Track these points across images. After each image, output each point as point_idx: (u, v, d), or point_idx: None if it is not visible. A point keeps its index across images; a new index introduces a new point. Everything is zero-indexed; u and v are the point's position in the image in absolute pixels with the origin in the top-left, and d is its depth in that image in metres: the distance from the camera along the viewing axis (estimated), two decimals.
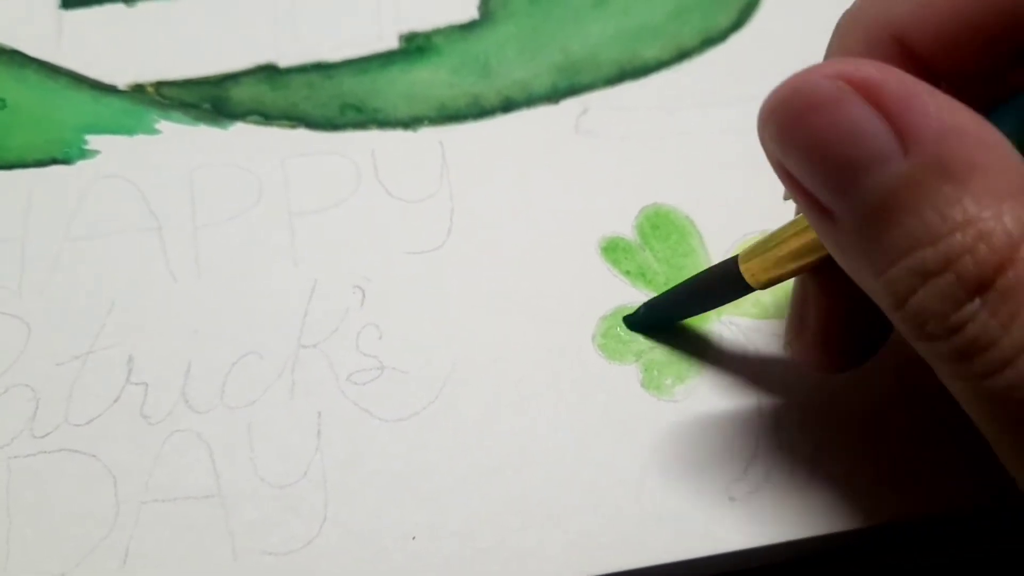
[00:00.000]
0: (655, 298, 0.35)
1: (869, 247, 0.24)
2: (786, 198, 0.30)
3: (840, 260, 0.26)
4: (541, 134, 0.39)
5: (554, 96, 0.39)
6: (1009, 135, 0.23)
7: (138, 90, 0.39)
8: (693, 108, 0.39)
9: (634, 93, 0.40)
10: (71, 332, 0.35)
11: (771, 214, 0.36)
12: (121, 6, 0.41)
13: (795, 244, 0.29)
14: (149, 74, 0.40)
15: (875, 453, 0.33)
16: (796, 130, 0.24)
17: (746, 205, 0.37)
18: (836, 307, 0.30)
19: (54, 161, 0.38)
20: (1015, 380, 0.23)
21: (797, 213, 0.31)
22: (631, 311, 0.35)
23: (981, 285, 0.23)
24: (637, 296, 0.35)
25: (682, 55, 0.40)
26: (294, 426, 0.33)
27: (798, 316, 0.32)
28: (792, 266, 0.30)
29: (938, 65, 0.27)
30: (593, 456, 0.33)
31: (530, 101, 0.39)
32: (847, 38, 0.29)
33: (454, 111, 0.39)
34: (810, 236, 0.28)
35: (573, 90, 0.40)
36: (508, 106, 0.39)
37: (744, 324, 0.35)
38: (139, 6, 0.41)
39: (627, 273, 0.36)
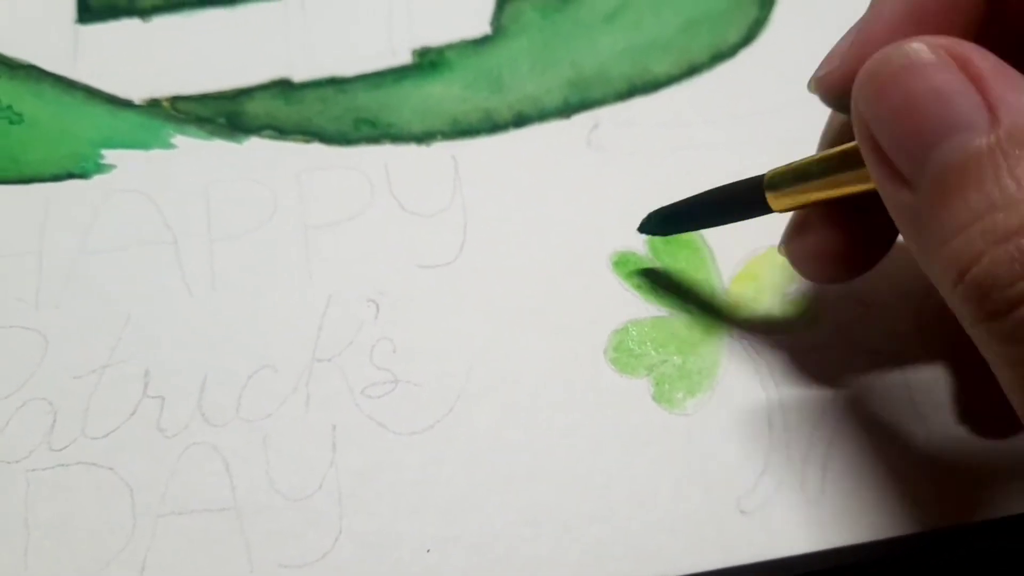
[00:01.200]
0: (671, 204, 0.35)
1: (942, 211, 0.24)
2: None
3: (908, 233, 0.26)
4: (553, 149, 0.39)
5: (566, 111, 0.40)
6: None
7: (154, 105, 0.40)
8: (703, 123, 0.39)
9: (645, 108, 0.40)
10: (88, 346, 0.35)
11: (779, 229, 0.36)
12: (137, 21, 0.41)
13: (826, 179, 0.29)
14: (165, 89, 0.40)
15: (886, 467, 0.33)
16: (892, 89, 0.25)
17: (756, 220, 0.37)
18: (837, 223, 0.31)
19: (70, 175, 0.38)
20: None
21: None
22: (642, 325, 0.35)
23: None
24: (648, 310, 0.35)
25: (692, 70, 0.40)
26: (309, 439, 0.33)
27: (798, 222, 0.32)
28: (817, 197, 0.30)
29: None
30: (605, 468, 0.33)
31: (542, 116, 0.39)
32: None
33: (467, 126, 0.39)
34: (843, 174, 0.28)
35: (584, 105, 0.40)
36: (520, 121, 0.39)
37: (754, 338, 0.35)
38: (155, 21, 0.41)
39: (638, 288, 0.36)
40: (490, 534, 0.32)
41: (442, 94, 0.40)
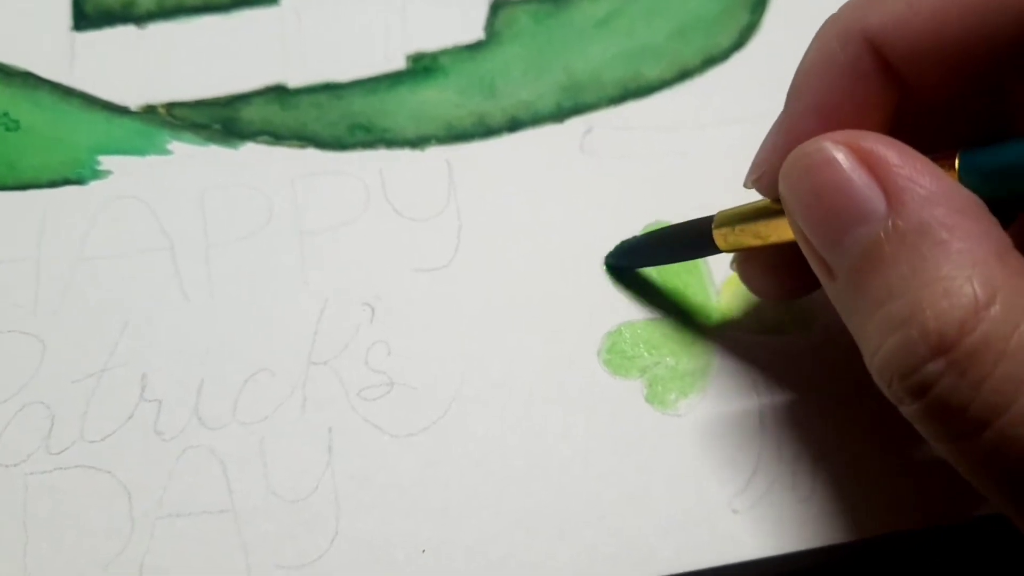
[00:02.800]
0: (629, 239, 0.36)
1: (855, 299, 0.25)
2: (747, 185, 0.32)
3: (843, 318, 0.27)
4: (546, 153, 0.39)
5: (559, 115, 0.40)
6: (980, 190, 0.25)
7: (150, 111, 0.40)
8: (695, 127, 0.39)
9: (637, 112, 0.40)
10: (85, 350, 0.35)
11: None
12: (133, 28, 0.41)
13: (769, 224, 0.30)
14: (161, 95, 0.40)
15: (876, 466, 0.33)
16: (801, 184, 0.27)
17: None
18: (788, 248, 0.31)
19: (67, 181, 0.38)
20: (997, 441, 0.23)
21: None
22: (635, 327, 0.35)
23: (942, 343, 0.23)
24: (641, 313, 0.36)
25: (684, 74, 0.41)
26: (306, 442, 0.33)
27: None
28: (760, 242, 0.31)
29: (908, 74, 0.28)
30: (599, 469, 0.33)
31: (535, 120, 0.40)
32: (824, 41, 0.30)
33: (461, 130, 0.39)
34: (783, 219, 0.29)
35: (577, 109, 0.40)
36: (514, 125, 0.39)
37: (746, 340, 0.35)
38: (150, 28, 0.41)
39: (631, 290, 0.36)
40: (485, 535, 0.32)
41: (436, 99, 0.40)
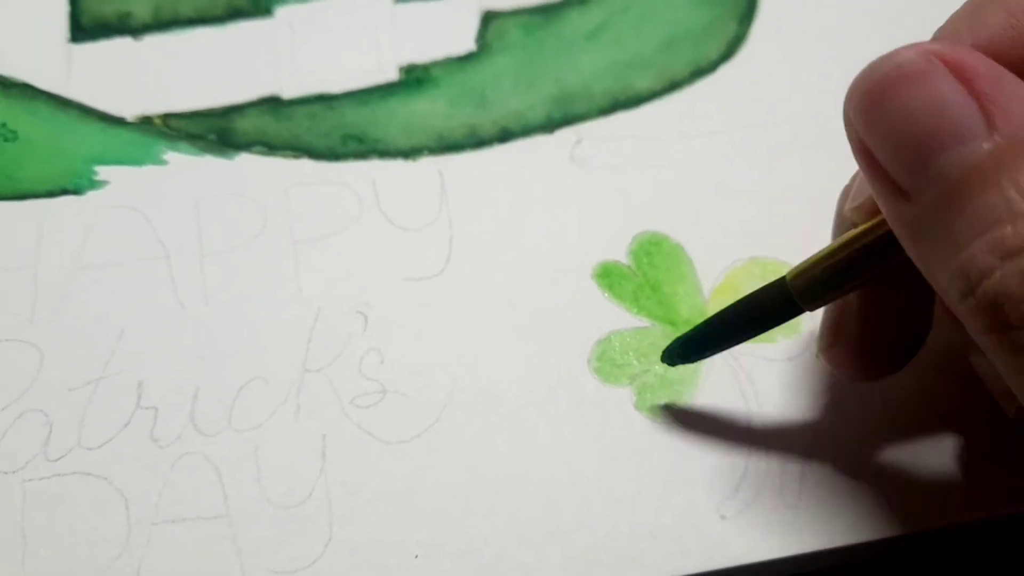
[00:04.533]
0: (693, 329, 0.33)
1: (946, 225, 0.23)
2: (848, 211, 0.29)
3: (910, 246, 0.25)
4: (537, 163, 0.39)
5: (549, 126, 0.40)
6: None
7: (146, 122, 0.40)
8: (684, 137, 0.40)
9: (627, 123, 0.40)
10: (82, 358, 0.35)
11: (761, 242, 0.37)
12: (129, 40, 0.42)
13: (850, 257, 0.28)
14: (156, 106, 0.40)
15: (862, 472, 0.33)
16: (885, 101, 0.24)
17: (736, 232, 0.37)
18: (876, 318, 0.30)
19: (64, 191, 0.38)
20: None
21: (838, 235, 0.31)
22: (624, 335, 0.36)
23: None
24: (630, 321, 0.36)
25: (673, 86, 0.41)
26: (299, 448, 0.34)
27: (834, 325, 0.31)
28: (848, 284, 0.29)
29: None
30: (589, 476, 0.33)
31: (526, 131, 0.40)
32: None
33: (452, 141, 0.39)
34: (870, 246, 0.27)
35: (567, 120, 0.40)
36: (505, 136, 0.40)
37: (735, 348, 0.35)
38: (146, 39, 0.42)
39: (620, 298, 0.36)
40: (477, 540, 0.32)
41: (428, 110, 0.40)
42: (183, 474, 0.33)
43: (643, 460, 0.34)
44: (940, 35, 0.27)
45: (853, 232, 0.28)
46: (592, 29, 0.42)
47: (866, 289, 0.29)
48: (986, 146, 0.23)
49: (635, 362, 0.35)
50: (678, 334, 0.35)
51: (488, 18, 0.42)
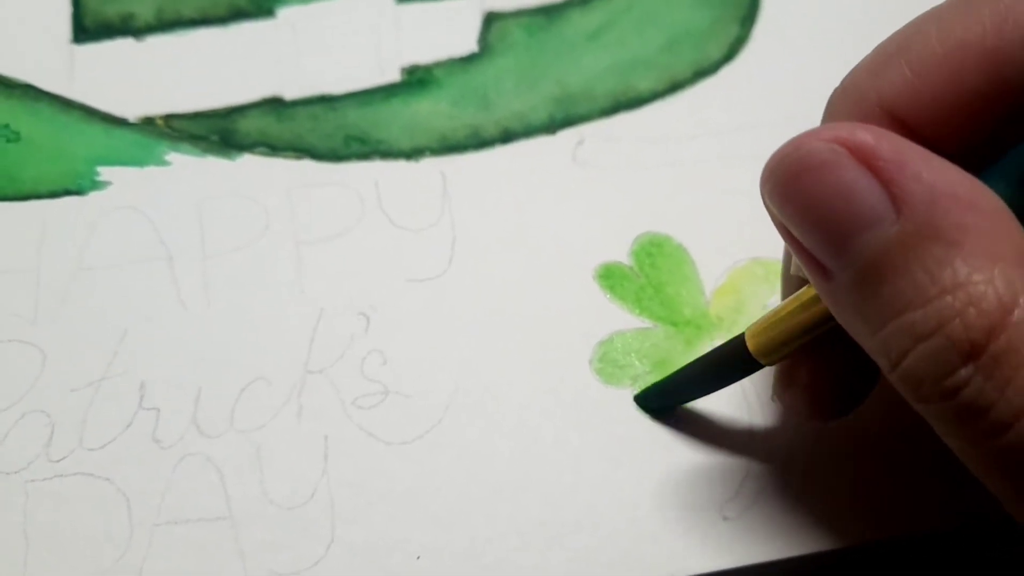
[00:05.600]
0: (660, 381, 0.34)
1: (863, 306, 0.24)
2: (794, 271, 0.30)
3: (838, 317, 0.26)
4: (539, 164, 0.39)
5: (551, 127, 0.40)
6: (1003, 194, 0.24)
7: (148, 123, 0.40)
8: (686, 138, 0.40)
9: (629, 124, 0.40)
10: (85, 359, 0.35)
11: (762, 242, 0.36)
12: (131, 40, 0.42)
13: (802, 320, 0.29)
14: (159, 107, 0.40)
15: (864, 472, 0.33)
16: (792, 191, 0.25)
17: (738, 233, 0.37)
18: (825, 364, 0.30)
19: (67, 192, 0.38)
20: (1016, 443, 0.23)
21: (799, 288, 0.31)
22: (627, 336, 0.36)
23: (973, 349, 0.23)
24: (632, 322, 0.36)
25: (675, 87, 0.41)
26: (302, 449, 0.34)
27: (787, 370, 0.32)
28: (800, 341, 0.29)
29: (930, 134, 0.27)
30: (591, 477, 0.33)
31: (528, 132, 0.40)
32: (838, 113, 0.29)
33: (455, 142, 0.40)
34: (817, 311, 0.28)
35: (570, 121, 0.40)
36: (507, 137, 0.40)
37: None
38: (148, 40, 0.42)
39: (622, 299, 0.36)
40: (479, 542, 0.32)
41: (430, 111, 0.40)
42: (185, 475, 0.33)
43: (645, 461, 0.34)
44: (845, 88, 0.29)
45: (805, 295, 0.29)
46: (594, 30, 0.42)
47: (813, 342, 0.30)
48: (894, 230, 0.23)
49: (637, 363, 0.35)
50: (680, 335, 0.35)
51: (490, 19, 0.42)
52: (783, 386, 0.32)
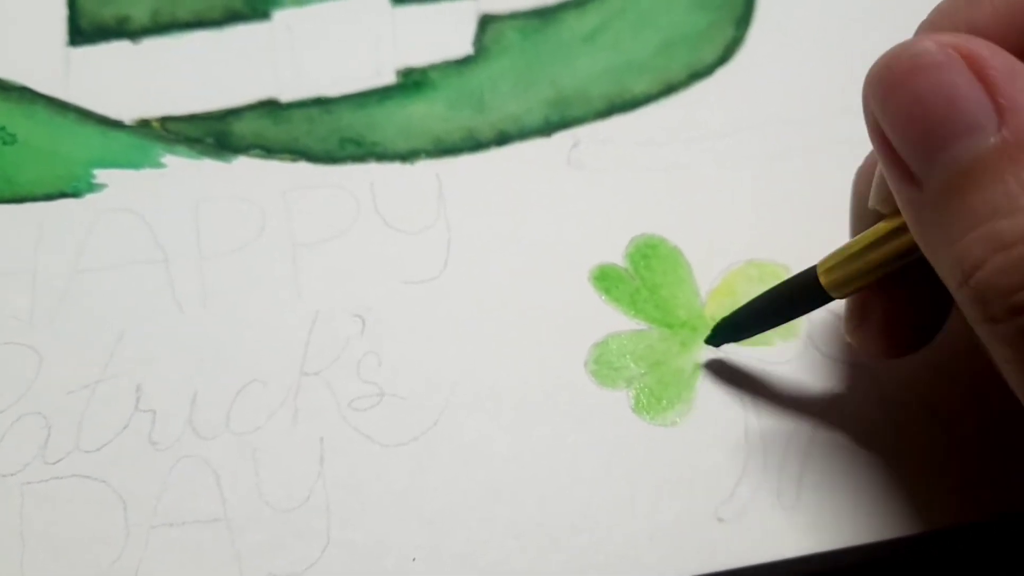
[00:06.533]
0: (731, 315, 0.35)
1: (948, 213, 0.24)
2: (872, 205, 0.30)
3: (916, 230, 0.26)
4: (534, 166, 0.39)
5: (546, 129, 0.40)
6: None
7: (144, 125, 0.40)
8: (681, 141, 0.40)
9: (624, 126, 0.40)
10: (81, 361, 0.35)
11: (757, 244, 0.37)
12: (127, 43, 0.42)
13: (877, 254, 0.29)
14: (155, 109, 0.40)
15: (859, 474, 0.33)
16: (900, 89, 0.25)
17: (733, 235, 0.37)
18: (898, 299, 0.31)
19: (63, 195, 0.38)
20: None
21: (856, 216, 0.32)
22: (622, 338, 0.36)
23: None
24: (627, 324, 0.36)
25: (670, 89, 0.41)
26: (297, 452, 0.34)
27: (858, 307, 0.32)
28: (873, 276, 0.30)
29: None
30: (586, 478, 0.33)
31: (523, 134, 0.40)
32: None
33: (450, 144, 0.40)
34: (894, 246, 0.29)
35: (564, 123, 0.40)
36: (502, 139, 0.40)
37: (731, 350, 0.35)
38: (144, 43, 0.42)
39: (617, 301, 0.36)
40: (475, 544, 0.32)
41: (426, 113, 0.40)
42: (181, 477, 0.33)
43: (640, 463, 0.34)
44: (933, 20, 0.28)
45: (882, 228, 0.29)
46: (589, 32, 0.42)
47: (888, 278, 0.30)
48: (993, 140, 0.23)
49: (632, 365, 0.35)
50: (675, 336, 0.35)
51: (485, 21, 0.42)
52: (855, 323, 0.32)
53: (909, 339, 0.32)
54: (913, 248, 0.27)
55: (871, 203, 0.30)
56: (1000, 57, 0.24)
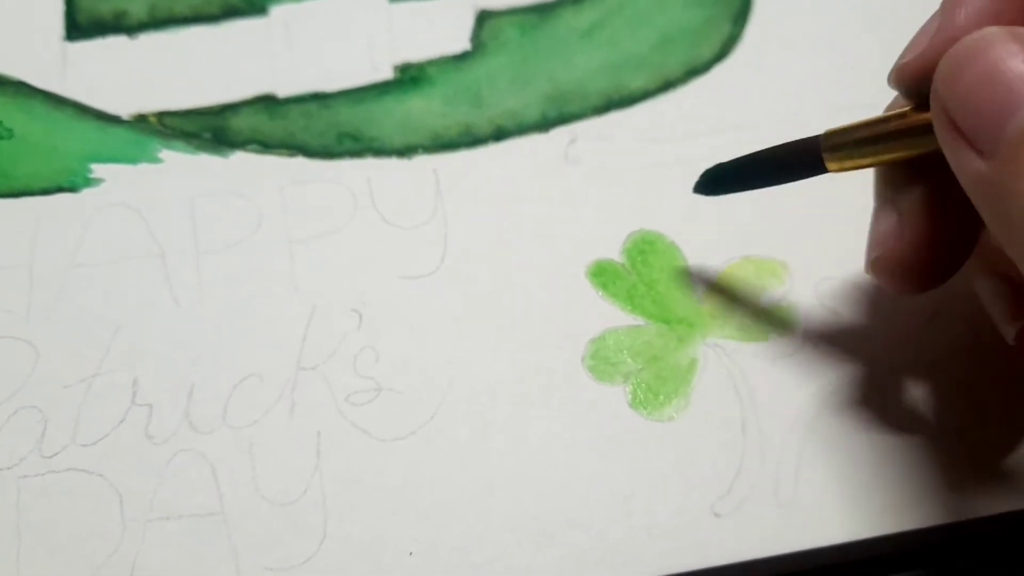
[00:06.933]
0: (725, 163, 0.35)
1: (1019, 180, 0.25)
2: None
3: (982, 201, 0.27)
4: (531, 162, 0.39)
5: (544, 125, 0.40)
6: None
7: (141, 120, 0.40)
8: (678, 137, 0.40)
9: (621, 122, 0.40)
10: (78, 355, 0.35)
11: (754, 240, 0.37)
12: (124, 38, 0.42)
13: (886, 132, 0.30)
14: (152, 104, 0.40)
15: (856, 470, 0.33)
16: (969, 67, 0.26)
17: (730, 231, 0.38)
18: (920, 228, 0.31)
19: (60, 189, 0.38)
20: None
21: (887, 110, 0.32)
22: (619, 333, 0.36)
23: None
24: (624, 319, 0.36)
25: (667, 85, 0.41)
26: (294, 446, 0.34)
27: (880, 236, 0.32)
28: (876, 158, 0.31)
29: None
30: (583, 473, 0.33)
31: (521, 130, 0.40)
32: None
33: (447, 140, 0.40)
34: (904, 124, 0.29)
35: (562, 119, 0.40)
36: (499, 135, 0.40)
37: (728, 346, 0.35)
38: (141, 38, 0.42)
39: (614, 296, 0.36)
40: (472, 538, 0.32)
41: (423, 109, 0.40)
42: (178, 471, 0.33)
43: (637, 458, 0.34)
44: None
45: (894, 111, 0.30)
46: (587, 28, 0.42)
47: (909, 201, 0.31)
48: None
49: (629, 360, 0.35)
50: (672, 332, 0.35)
51: (483, 17, 0.42)
52: (876, 252, 0.32)
53: (929, 273, 0.32)
54: (921, 129, 0.29)
55: (893, 68, 0.31)
56: None
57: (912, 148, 0.29)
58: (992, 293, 0.33)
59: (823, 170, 0.32)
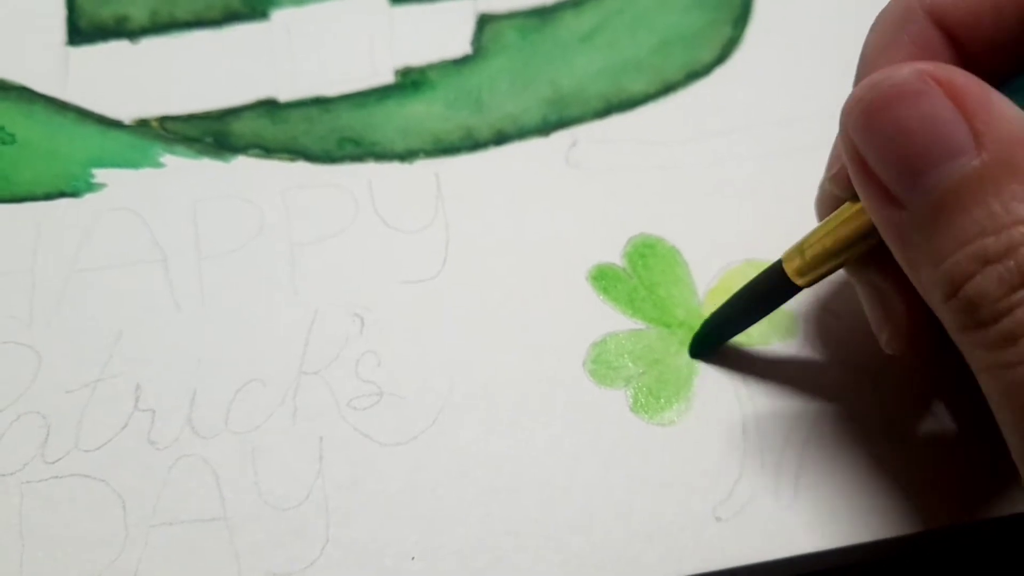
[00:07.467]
0: (707, 320, 0.35)
1: (934, 235, 0.25)
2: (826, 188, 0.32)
3: (899, 250, 0.27)
4: (532, 166, 0.39)
5: (544, 129, 0.40)
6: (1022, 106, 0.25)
7: (143, 125, 0.40)
8: (678, 140, 0.40)
9: (621, 126, 0.40)
10: (80, 361, 0.35)
11: (755, 243, 0.37)
12: (126, 43, 0.42)
13: (836, 239, 0.30)
14: (153, 109, 0.40)
15: (856, 474, 0.33)
16: (882, 117, 0.26)
17: (730, 235, 0.38)
18: (911, 302, 0.31)
19: (62, 194, 0.38)
20: None
21: (828, 214, 0.32)
22: (620, 337, 0.36)
23: None
24: (625, 323, 0.36)
25: (667, 88, 0.41)
26: (296, 451, 0.34)
27: (879, 318, 0.32)
28: (832, 263, 0.31)
29: (969, 45, 0.29)
30: (585, 478, 0.33)
31: (521, 134, 0.40)
32: (889, 19, 0.30)
33: (448, 144, 0.40)
34: (851, 228, 0.30)
35: (563, 123, 0.40)
36: (500, 139, 0.40)
37: (729, 350, 0.35)
38: (143, 43, 0.42)
39: (615, 300, 0.37)
40: (473, 543, 0.32)
41: (424, 113, 0.40)
42: (180, 476, 0.33)
43: (639, 462, 0.34)
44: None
45: (841, 214, 0.30)
46: (587, 32, 0.42)
47: (882, 275, 0.31)
48: (974, 163, 0.25)
49: (630, 364, 0.35)
50: (673, 336, 0.35)
51: (484, 21, 0.42)
52: (883, 335, 0.33)
53: (932, 339, 0.32)
54: (870, 230, 0.29)
55: (822, 179, 0.32)
56: (974, 84, 0.25)
57: (867, 243, 0.30)
58: (867, 300, 0.33)
59: (797, 288, 0.32)
